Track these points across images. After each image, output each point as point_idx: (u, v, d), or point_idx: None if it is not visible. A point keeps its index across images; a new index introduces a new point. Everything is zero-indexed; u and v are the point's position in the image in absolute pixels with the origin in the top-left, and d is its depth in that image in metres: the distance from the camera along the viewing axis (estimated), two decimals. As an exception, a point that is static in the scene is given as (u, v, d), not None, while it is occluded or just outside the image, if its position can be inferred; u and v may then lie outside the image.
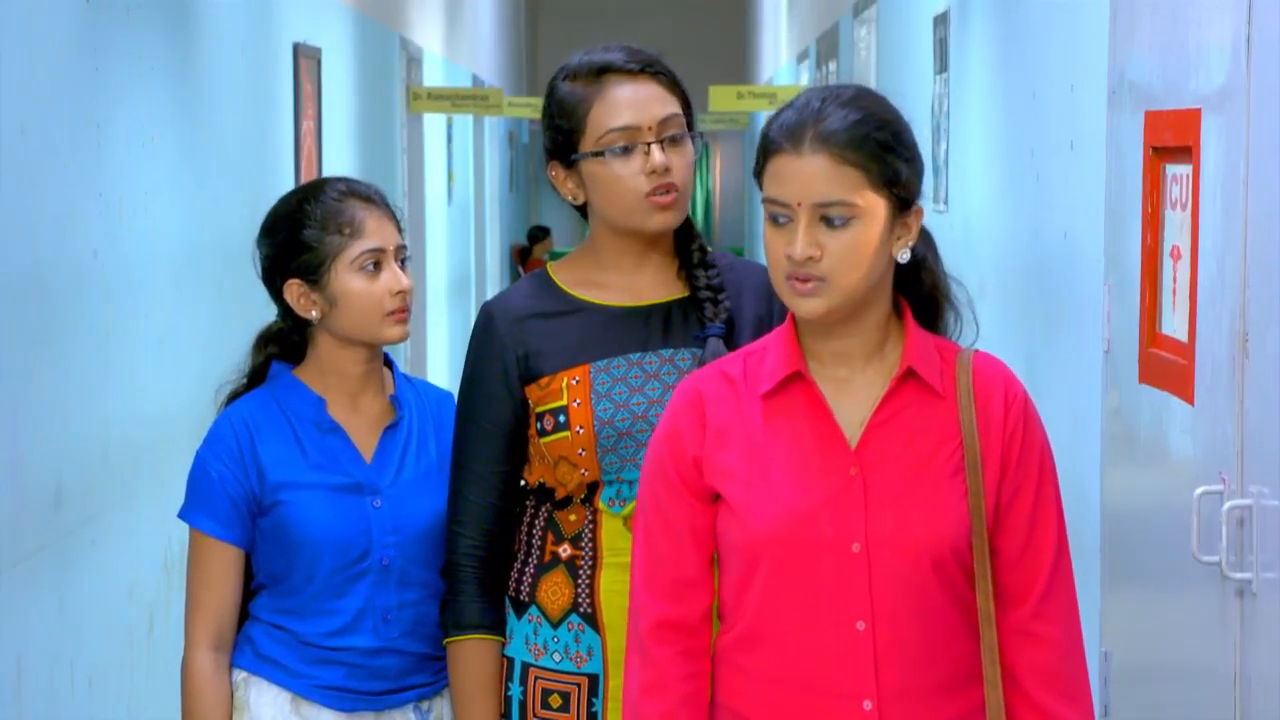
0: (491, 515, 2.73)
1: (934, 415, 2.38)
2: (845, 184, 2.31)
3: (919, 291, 2.44)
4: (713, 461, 2.38)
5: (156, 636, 2.86)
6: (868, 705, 2.33)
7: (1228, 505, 2.79)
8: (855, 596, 2.33)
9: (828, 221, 2.31)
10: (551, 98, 2.73)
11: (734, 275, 2.77)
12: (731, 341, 2.70)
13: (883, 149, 2.33)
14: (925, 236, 2.45)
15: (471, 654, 2.72)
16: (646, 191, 2.66)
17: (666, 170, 2.66)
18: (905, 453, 2.36)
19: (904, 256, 2.37)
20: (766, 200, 2.34)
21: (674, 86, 2.71)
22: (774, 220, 2.34)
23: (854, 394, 2.39)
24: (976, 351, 2.43)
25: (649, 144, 2.66)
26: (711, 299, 2.71)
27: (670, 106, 2.69)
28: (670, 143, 2.67)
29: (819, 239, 2.31)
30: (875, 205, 2.32)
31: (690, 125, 2.73)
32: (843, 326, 2.37)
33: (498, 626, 2.73)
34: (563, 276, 2.77)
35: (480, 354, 2.74)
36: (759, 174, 2.37)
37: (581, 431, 2.66)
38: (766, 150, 2.36)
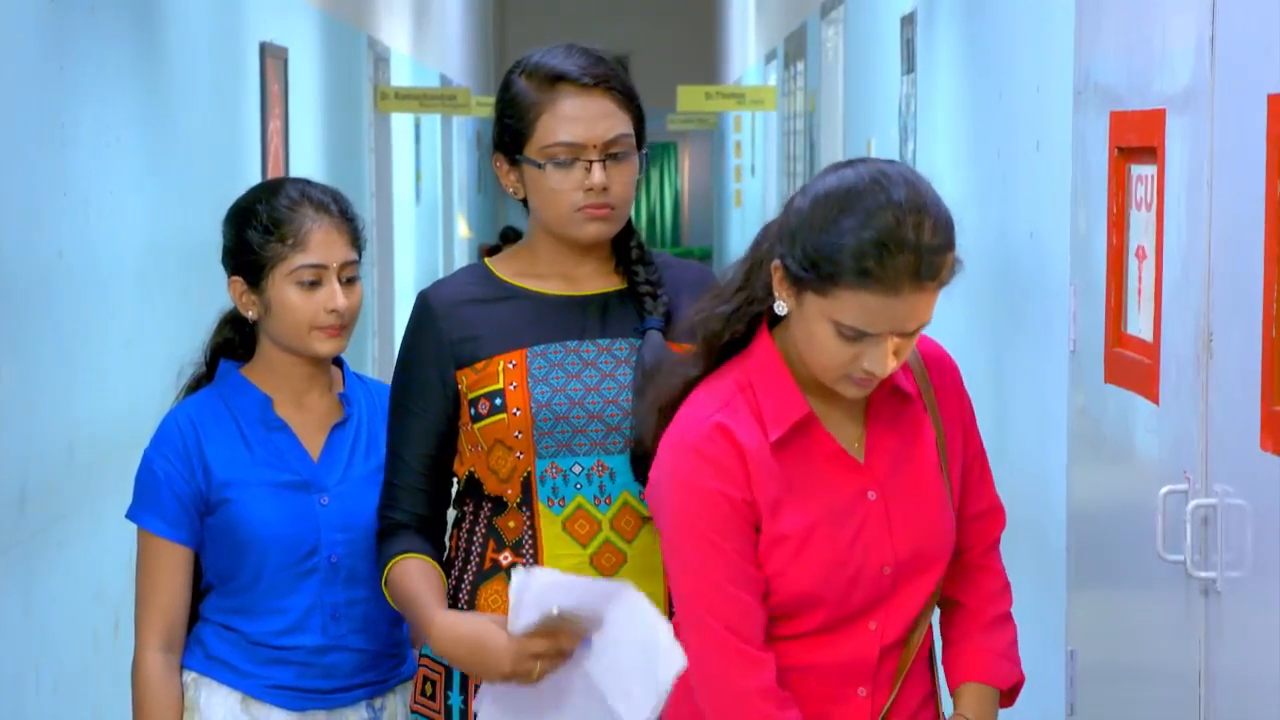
0: (423, 500, 2.72)
1: (910, 417, 2.44)
2: (931, 306, 2.31)
3: None
4: (763, 497, 2.35)
5: (123, 638, 2.85)
6: (862, 692, 2.42)
7: (1192, 504, 2.80)
8: (877, 607, 2.41)
9: (907, 335, 2.31)
10: (506, 92, 2.73)
11: (671, 273, 2.78)
12: (668, 334, 2.70)
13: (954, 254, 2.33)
14: None
15: (410, 567, 2.68)
16: (581, 205, 2.67)
17: (604, 189, 2.67)
18: (901, 463, 2.41)
19: None
20: (840, 324, 2.27)
21: (627, 102, 2.70)
22: (841, 335, 2.29)
23: (842, 414, 2.41)
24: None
25: (591, 161, 2.66)
26: (651, 294, 2.72)
27: (619, 125, 2.68)
28: (613, 160, 2.67)
29: (894, 346, 2.30)
30: None
31: (641, 139, 2.72)
32: None
33: (437, 561, 2.70)
34: (501, 268, 2.77)
35: (414, 340, 2.74)
36: (817, 285, 2.27)
37: (519, 414, 2.66)
38: (843, 276, 2.25)
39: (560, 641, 2.50)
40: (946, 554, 2.42)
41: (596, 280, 2.75)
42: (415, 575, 2.68)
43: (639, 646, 2.42)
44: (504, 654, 2.52)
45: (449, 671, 2.72)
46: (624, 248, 2.76)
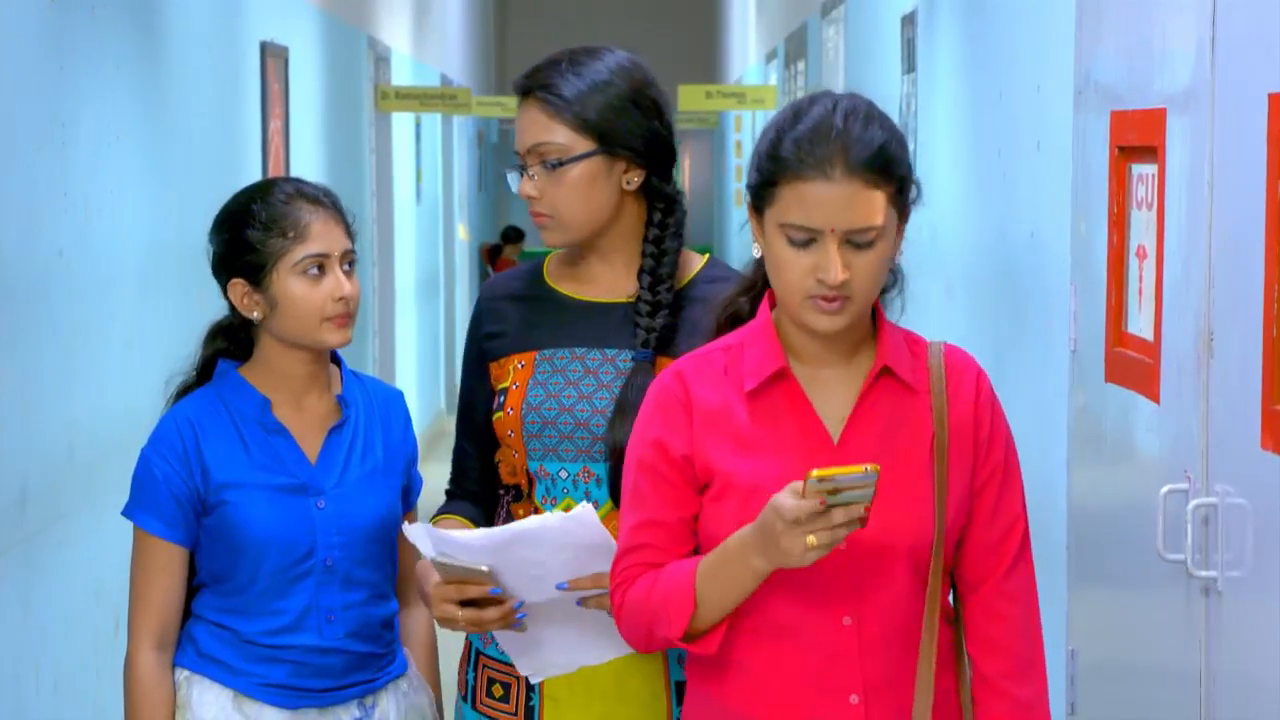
0: (478, 478, 2.82)
1: (909, 410, 2.41)
2: (874, 208, 2.31)
3: None
4: (706, 452, 2.39)
5: (123, 637, 2.85)
6: (854, 699, 2.36)
7: (1193, 504, 2.80)
8: (841, 592, 2.36)
9: (855, 243, 2.32)
10: None
11: (716, 286, 2.74)
12: (673, 351, 2.69)
13: (902, 167, 2.34)
14: None
15: (439, 525, 2.77)
16: (531, 210, 2.73)
17: (530, 198, 2.70)
18: (884, 448, 2.38)
19: (899, 259, 2.40)
20: (787, 225, 2.32)
21: (559, 110, 2.68)
22: (792, 241, 2.32)
23: (832, 391, 2.41)
24: (946, 345, 2.46)
25: (523, 170, 2.71)
26: (647, 326, 2.71)
27: (542, 134, 2.69)
28: (546, 168, 2.69)
29: (847, 260, 2.31)
30: (892, 220, 2.34)
31: (612, 143, 2.69)
32: (848, 329, 2.39)
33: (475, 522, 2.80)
34: (551, 265, 2.83)
35: (469, 328, 2.86)
36: (766, 193, 2.34)
37: (511, 414, 2.72)
38: (782, 172, 2.32)
39: (467, 590, 2.58)
40: (922, 550, 2.37)
41: (625, 286, 2.75)
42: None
43: (573, 550, 2.54)
44: (430, 599, 2.64)
45: (469, 648, 2.79)
46: (640, 269, 2.76)
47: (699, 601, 2.34)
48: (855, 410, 2.39)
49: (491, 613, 2.58)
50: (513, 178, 2.74)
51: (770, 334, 2.40)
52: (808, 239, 2.31)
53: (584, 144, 2.69)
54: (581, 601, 2.58)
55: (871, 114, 2.35)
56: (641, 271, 2.73)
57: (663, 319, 2.70)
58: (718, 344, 2.45)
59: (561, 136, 2.68)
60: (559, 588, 2.56)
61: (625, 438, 2.59)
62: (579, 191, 2.69)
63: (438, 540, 2.58)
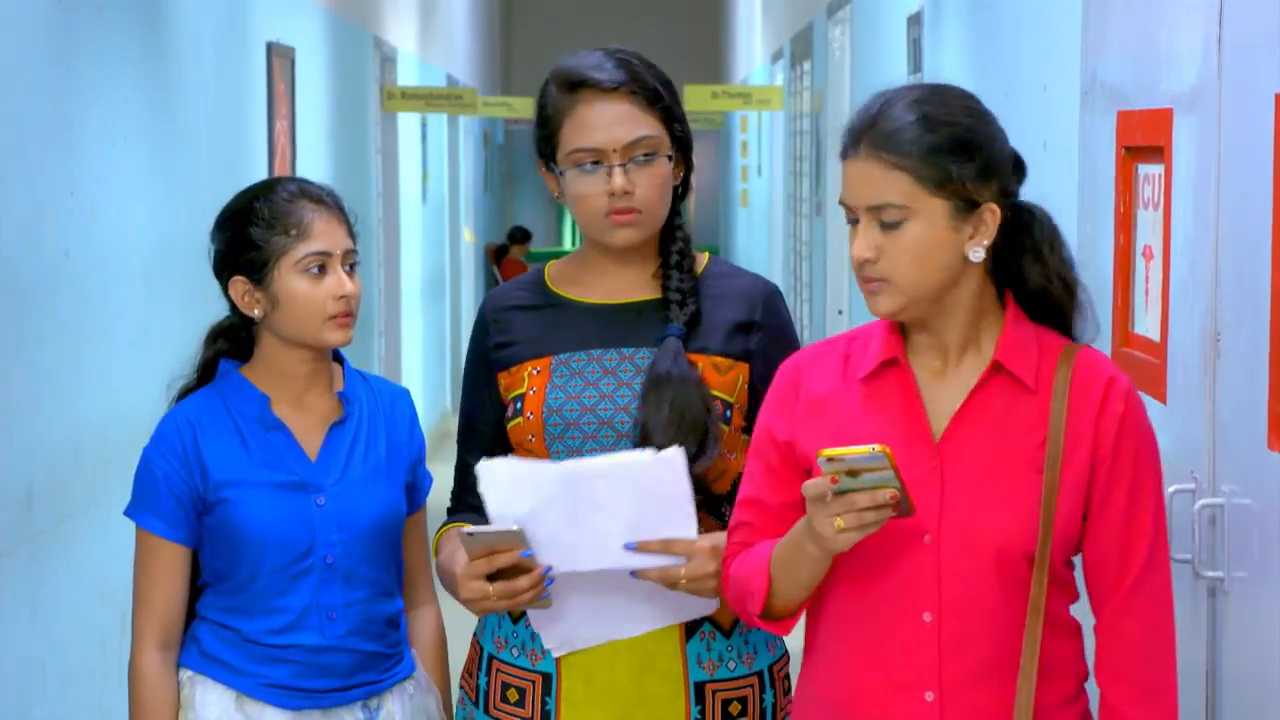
0: (479, 493, 2.75)
1: (1023, 410, 2.36)
2: (893, 187, 2.31)
3: (1025, 286, 2.42)
4: (805, 439, 2.41)
5: (128, 638, 2.86)
6: (929, 696, 2.34)
7: (1199, 504, 2.80)
8: (924, 587, 2.34)
9: (883, 224, 2.32)
10: (541, 98, 2.76)
11: (724, 282, 2.77)
12: (695, 344, 2.70)
13: (933, 151, 2.32)
14: (1040, 229, 2.44)
15: (450, 533, 2.75)
16: (606, 211, 2.68)
17: (627, 193, 2.67)
18: (989, 447, 2.35)
19: (976, 255, 2.35)
20: (841, 203, 2.37)
21: (651, 104, 2.69)
22: (848, 222, 2.37)
23: (947, 384, 2.39)
24: (1083, 347, 2.40)
25: (612, 166, 2.67)
26: (679, 302, 2.72)
27: (640, 128, 2.68)
28: (637, 163, 2.67)
29: (877, 241, 2.32)
30: (929, 206, 2.32)
31: (676, 136, 2.71)
32: (932, 321, 2.38)
33: None
34: (553, 273, 2.82)
35: (471, 342, 2.84)
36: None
37: (531, 418, 2.71)
38: (839, 155, 2.40)
39: (497, 560, 2.56)
40: (1011, 554, 2.32)
41: (638, 288, 2.76)
42: (447, 538, 2.76)
43: (650, 502, 2.52)
44: (458, 581, 2.61)
45: (481, 652, 2.77)
46: (667, 251, 2.76)
47: (773, 582, 2.38)
48: (963, 407, 2.36)
49: (523, 581, 2.55)
50: (592, 173, 2.67)
51: (894, 324, 2.41)
52: (853, 219, 2.35)
53: (668, 139, 2.71)
54: (637, 573, 2.54)
55: (922, 99, 2.34)
56: (670, 253, 2.74)
57: (693, 304, 2.72)
58: (846, 333, 2.49)
59: (655, 130, 2.69)
60: (627, 547, 2.53)
61: (661, 416, 2.61)
62: (665, 186, 2.71)
63: (512, 474, 2.54)
